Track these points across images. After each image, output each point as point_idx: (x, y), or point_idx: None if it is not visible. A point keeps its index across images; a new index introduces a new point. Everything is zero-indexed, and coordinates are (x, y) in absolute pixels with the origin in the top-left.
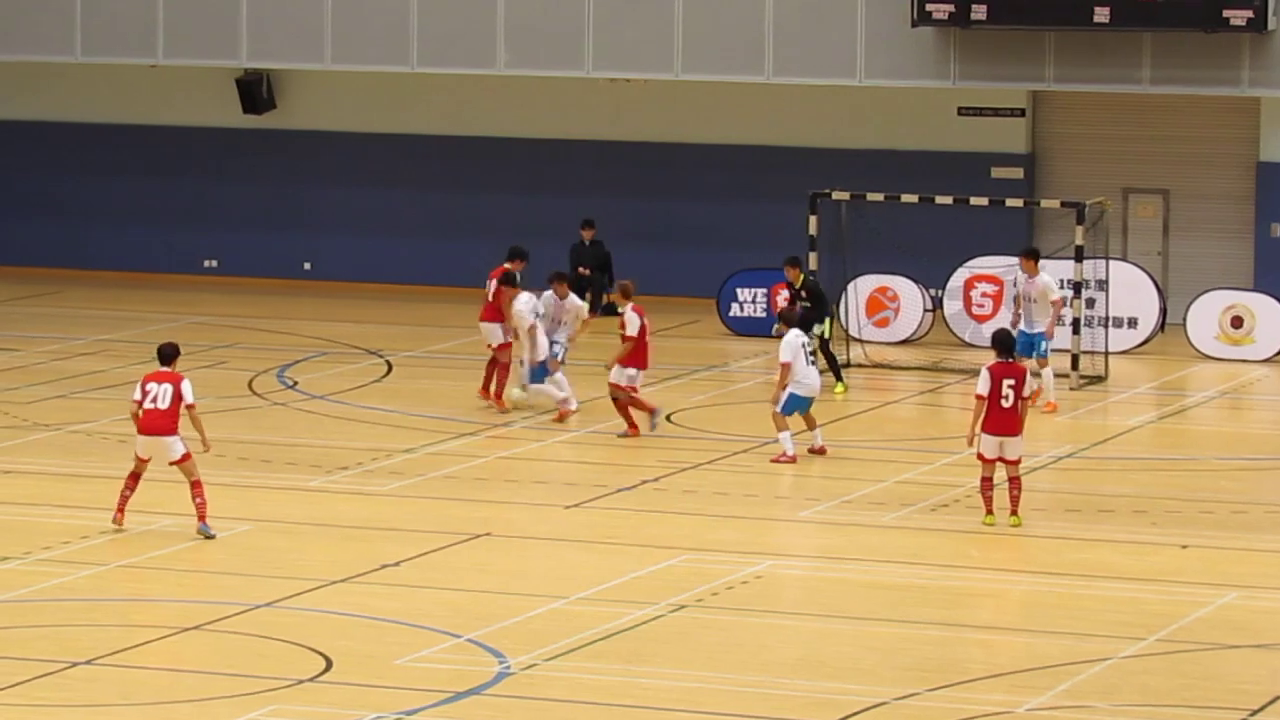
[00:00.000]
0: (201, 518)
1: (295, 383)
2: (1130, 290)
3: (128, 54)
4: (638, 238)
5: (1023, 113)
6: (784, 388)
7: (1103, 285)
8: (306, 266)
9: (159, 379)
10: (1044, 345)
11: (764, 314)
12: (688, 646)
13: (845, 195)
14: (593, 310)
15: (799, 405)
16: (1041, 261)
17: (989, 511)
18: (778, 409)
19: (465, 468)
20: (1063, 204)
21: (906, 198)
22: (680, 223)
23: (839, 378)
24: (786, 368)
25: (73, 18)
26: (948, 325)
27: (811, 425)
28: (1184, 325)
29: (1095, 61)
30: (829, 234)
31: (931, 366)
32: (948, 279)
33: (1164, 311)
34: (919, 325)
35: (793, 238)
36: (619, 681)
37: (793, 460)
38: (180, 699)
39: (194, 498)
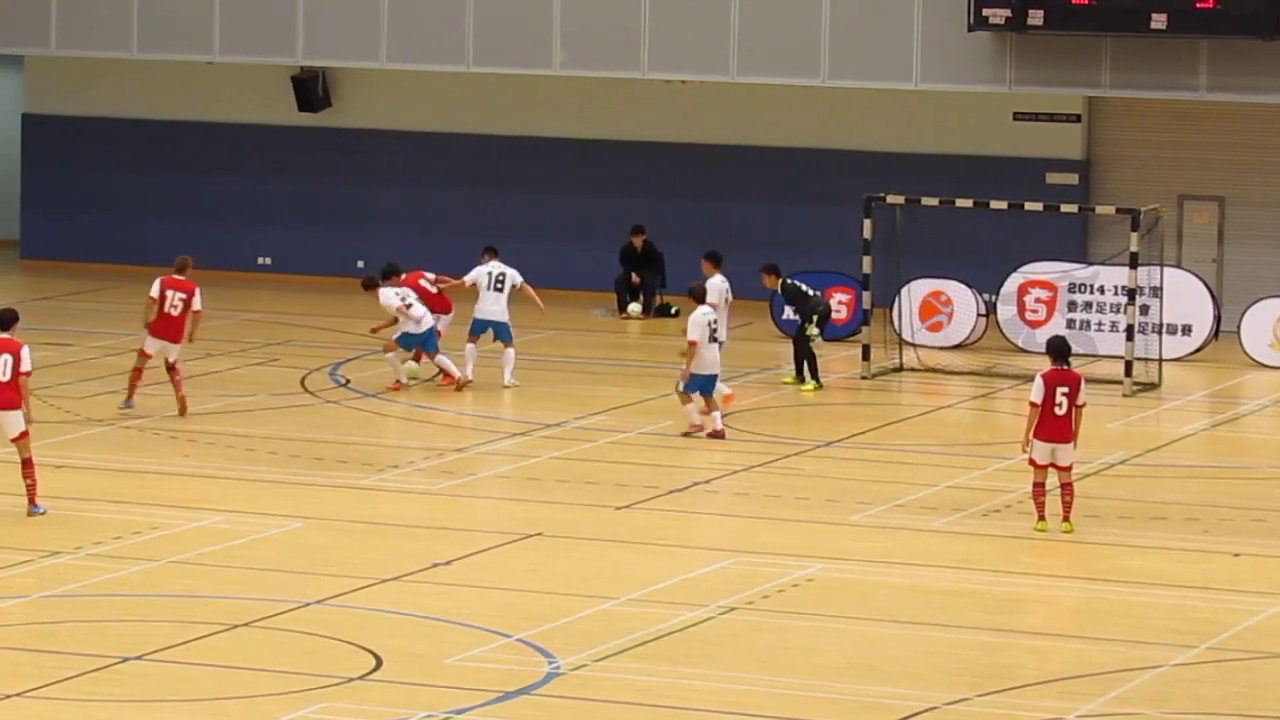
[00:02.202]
0: (32, 500)
1: (347, 380)
2: (1184, 297)
3: (184, 51)
4: (691, 240)
5: (1078, 118)
6: (688, 366)
7: (1157, 292)
8: (360, 264)
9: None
10: None
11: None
12: (737, 649)
13: (900, 199)
14: (646, 312)
15: (702, 385)
16: (1094, 267)
17: (1041, 517)
18: (682, 388)
19: (517, 467)
20: (1118, 210)
21: (961, 202)
22: (734, 225)
23: (815, 376)
24: (694, 346)
25: (129, 14)
26: (1001, 330)
27: (712, 408)
28: (1238, 333)
29: (1152, 68)
30: (884, 237)
31: (984, 371)
32: (1001, 284)
33: (1218, 319)
34: (972, 330)
35: (847, 241)
36: (668, 683)
37: (700, 430)
38: (230, 695)
39: (25, 478)
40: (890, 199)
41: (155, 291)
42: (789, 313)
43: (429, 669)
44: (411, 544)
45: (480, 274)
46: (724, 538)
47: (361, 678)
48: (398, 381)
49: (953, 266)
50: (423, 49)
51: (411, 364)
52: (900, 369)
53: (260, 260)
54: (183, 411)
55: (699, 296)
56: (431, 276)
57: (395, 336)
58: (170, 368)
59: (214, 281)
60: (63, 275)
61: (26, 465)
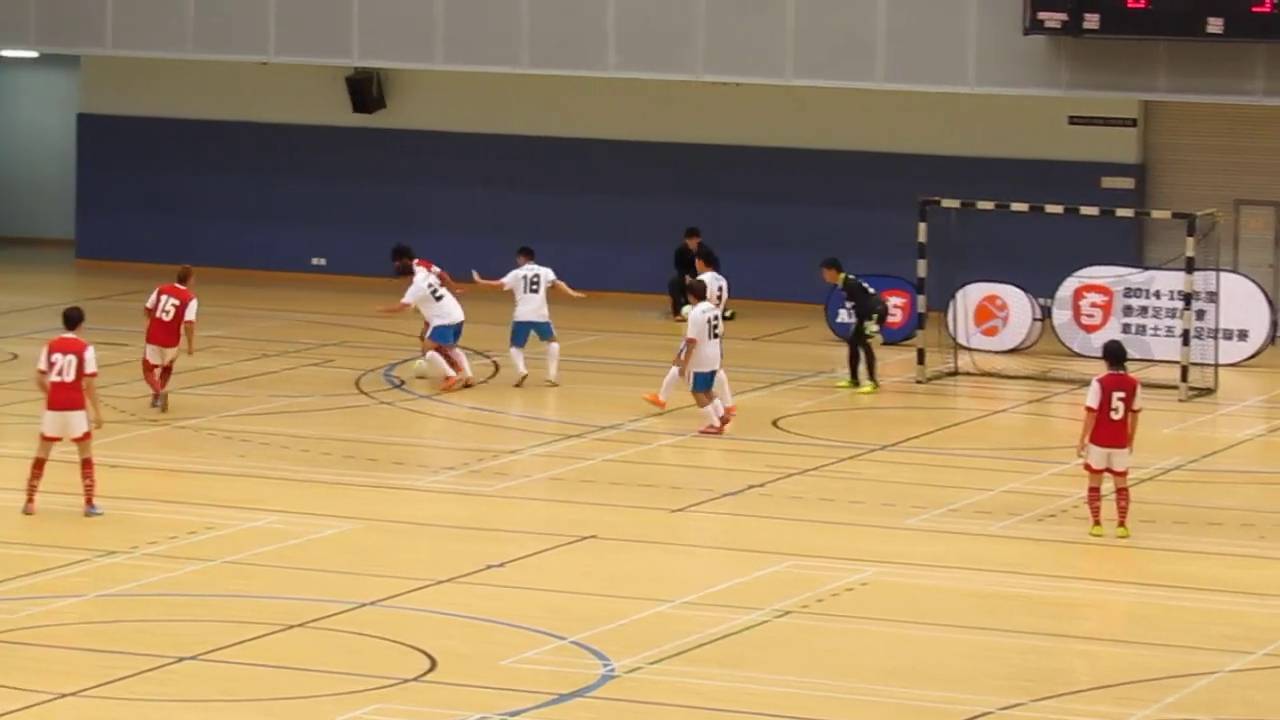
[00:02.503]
0: (89, 500)
1: (402, 382)
2: (1240, 302)
3: (239, 51)
4: (745, 242)
5: (1134, 123)
6: (689, 364)
7: (1213, 297)
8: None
9: (64, 348)
10: None
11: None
12: (791, 652)
13: (955, 203)
14: None
15: (704, 381)
16: (1150, 272)
17: (1096, 522)
18: (691, 388)
19: (571, 470)
20: (1174, 215)
21: (1016, 206)
22: (788, 228)
23: (872, 377)
24: (694, 344)
25: (185, 14)
26: (1056, 335)
27: (703, 403)
28: None
29: (1208, 71)
30: (938, 241)
31: (1039, 376)
32: (1057, 288)
33: (1275, 324)
34: (1027, 334)
35: (901, 244)
36: (722, 686)
37: (719, 431)
38: (284, 696)
39: (84, 478)
40: (945, 202)
41: (150, 301)
42: (843, 315)
43: (483, 670)
44: (465, 546)
45: (516, 277)
46: (778, 541)
47: (415, 679)
48: (448, 377)
49: (1008, 270)
50: (478, 50)
51: (420, 363)
52: (955, 373)
53: (315, 261)
54: (160, 403)
55: (699, 294)
56: (438, 271)
57: (429, 334)
58: (164, 370)
59: (268, 282)
60: (117, 275)
61: (86, 466)
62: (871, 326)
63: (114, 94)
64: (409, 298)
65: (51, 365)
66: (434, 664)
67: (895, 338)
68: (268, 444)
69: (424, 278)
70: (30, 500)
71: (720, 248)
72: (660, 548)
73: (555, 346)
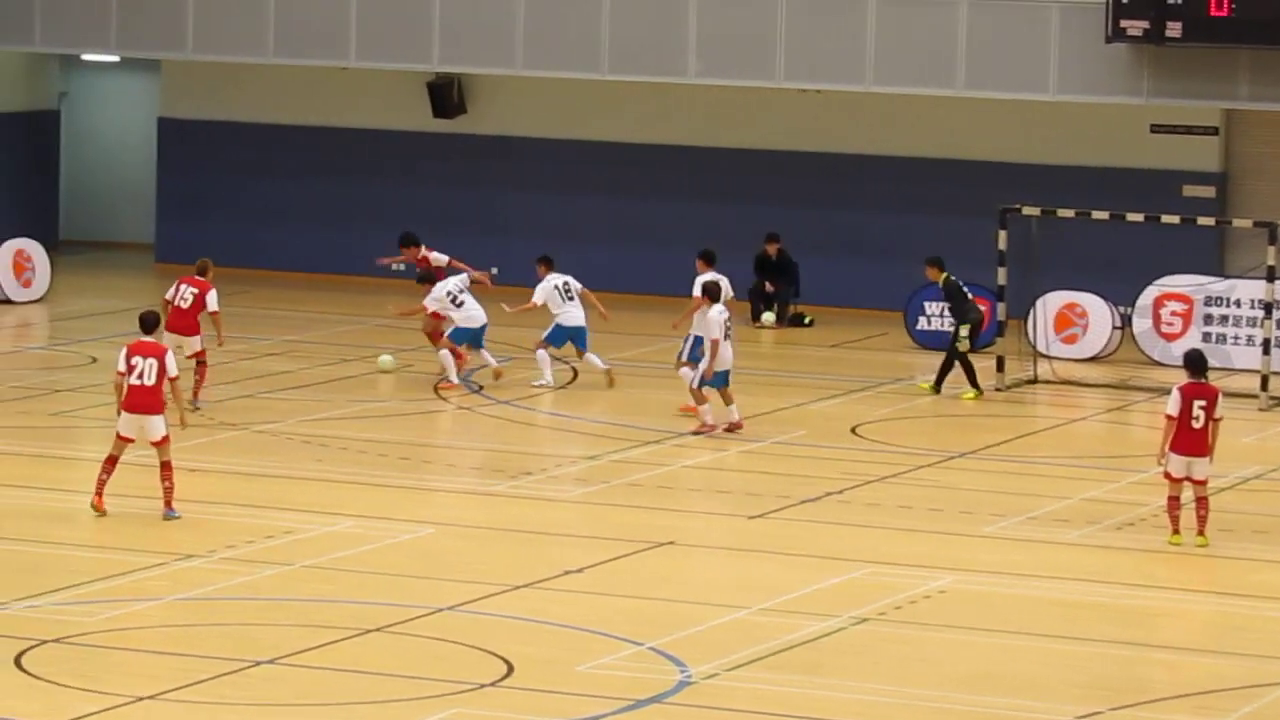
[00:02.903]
0: (168, 503)
1: (480, 387)
2: None
3: (320, 56)
4: (825, 249)
5: (1216, 131)
6: (713, 365)
7: None
8: (494, 270)
9: (144, 351)
10: None
11: (952, 328)
12: (869, 659)
13: (1035, 211)
14: (780, 321)
15: (719, 380)
16: (1231, 280)
17: (1175, 531)
18: (696, 385)
19: (649, 475)
20: (1255, 224)
21: (1097, 214)
22: (868, 235)
23: (974, 384)
24: (717, 344)
25: (266, 19)
26: (1136, 343)
27: (729, 400)
28: None
29: None
30: (1018, 249)
31: (1119, 384)
32: (1137, 297)
33: None
34: (1107, 342)
35: (981, 252)
36: (799, 693)
37: (712, 429)
38: (361, 700)
39: (163, 481)
40: (1026, 210)
41: (170, 292)
42: (924, 322)
43: (560, 676)
44: (543, 551)
45: (548, 290)
46: (856, 548)
47: (493, 684)
48: (450, 383)
49: (1088, 278)
50: (559, 56)
51: (387, 357)
52: (1034, 381)
53: (395, 266)
54: (195, 393)
55: (714, 295)
56: (445, 259)
57: (449, 333)
58: (196, 365)
59: (346, 286)
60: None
61: (165, 469)
62: (963, 332)
63: (194, 98)
64: (430, 303)
65: (131, 368)
66: (511, 669)
67: (975, 345)
68: (346, 448)
69: (442, 286)
70: (99, 495)
71: (799, 254)
72: (738, 554)
73: (592, 355)
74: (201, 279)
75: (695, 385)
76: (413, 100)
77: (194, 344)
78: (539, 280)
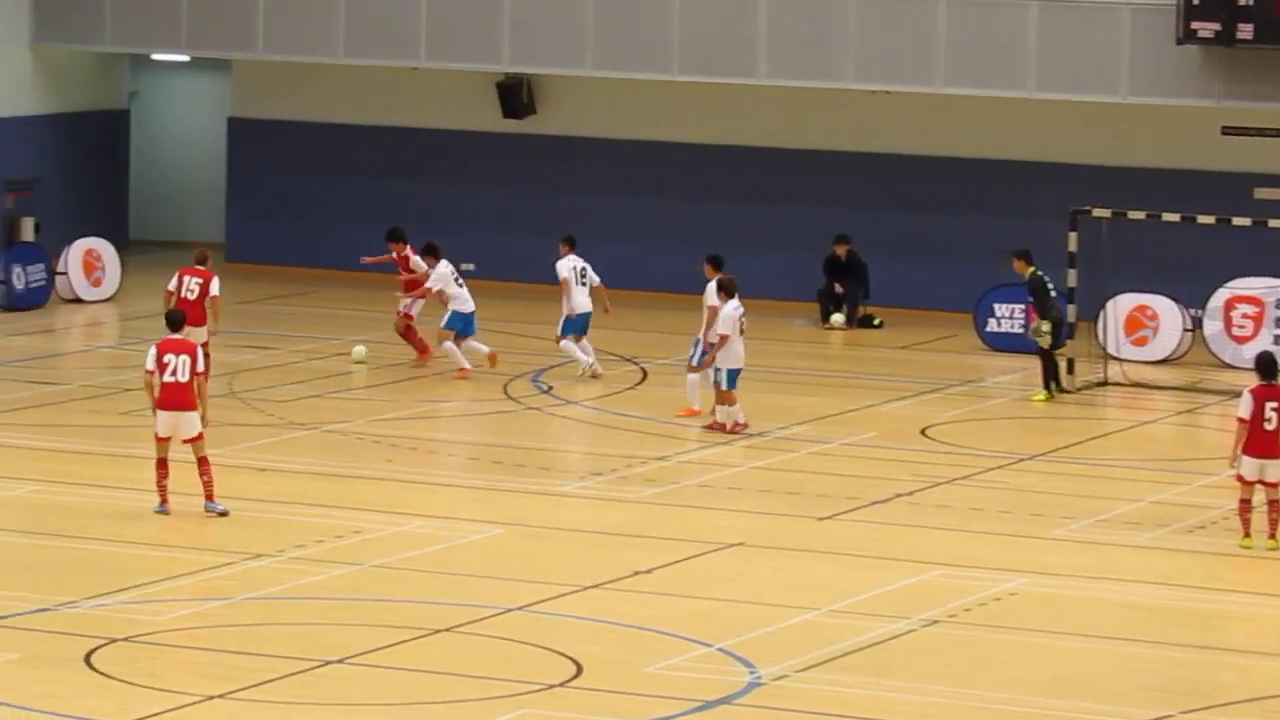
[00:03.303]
0: (209, 496)
1: (550, 388)
2: None
3: (390, 56)
4: (895, 251)
5: None
6: (719, 360)
7: None
8: (470, 266)
9: (175, 348)
10: None
11: (1022, 330)
12: (938, 662)
13: (1106, 213)
14: (849, 323)
15: (734, 379)
16: None
17: (1246, 534)
18: (725, 387)
19: (718, 476)
20: None
21: (1168, 216)
22: (938, 237)
23: (1045, 386)
24: (726, 340)
25: (336, 19)
26: (1207, 346)
27: (733, 401)
28: None
29: None
30: (1089, 251)
31: (1190, 387)
32: (1208, 299)
33: None
34: (1178, 345)
35: (1052, 254)
36: (869, 695)
37: (724, 430)
38: (431, 700)
39: (201, 475)
40: (1096, 212)
41: (173, 284)
42: (994, 324)
43: (629, 677)
44: (612, 551)
45: (568, 268)
46: (926, 550)
47: (562, 685)
48: (462, 369)
49: (1158, 281)
50: (629, 56)
51: (360, 349)
52: (1105, 383)
53: (464, 266)
54: None
55: (731, 291)
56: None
57: (444, 323)
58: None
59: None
60: (266, 279)
61: (202, 464)
62: (1044, 327)
63: (265, 98)
64: (434, 283)
65: (164, 366)
66: (580, 670)
67: (1056, 343)
68: (415, 449)
69: (445, 265)
70: (165, 500)
71: (869, 255)
72: (807, 555)
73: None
74: (202, 268)
75: (724, 387)
76: (482, 101)
77: (201, 335)
78: (559, 257)
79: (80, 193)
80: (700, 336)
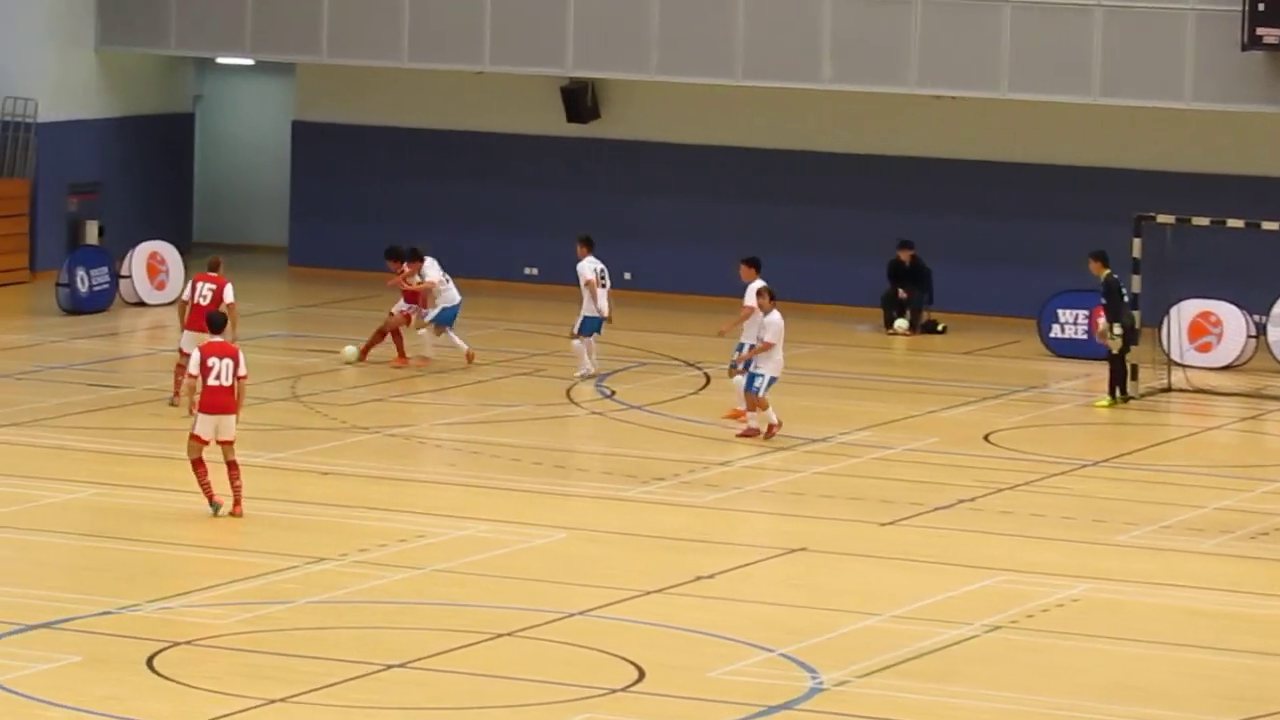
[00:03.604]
0: (237, 501)
1: (613, 392)
2: None
3: (454, 60)
4: (958, 256)
5: None
6: (764, 367)
7: None
8: (626, 276)
9: (219, 352)
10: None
11: (1085, 335)
12: (1001, 668)
13: (1170, 219)
14: (913, 328)
15: (768, 386)
16: None
17: None
18: (761, 394)
19: (781, 482)
20: None
21: (1232, 222)
22: (1001, 242)
23: (1111, 393)
24: (770, 347)
25: (400, 24)
26: (1271, 352)
27: (766, 406)
28: None
29: None
30: (1152, 257)
31: (1254, 393)
32: (1272, 305)
33: None
34: (1242, 351)
35: (1116, 259)
36: (931, 701)
37: (757, 434)
38: (493, 705)
39: (232, 479)
40: (1160, 218)
41: (186, 292)
42: (1058, 329)
43: (691, 682)
44: (674, 556)
45: (593, 271)
46: (989, 556)
47: (624, 689)
48: (426, 358)
49: (1223, 287)
50: (692, 61)
51: (350, 349)
52: (1168, 389)
53: (527, 270)
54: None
55: (772, 298)
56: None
57: (433, 318)
58: None
59: (479, 291)
60: (329, 282)
61: (232, 468)
62: (1115, 330)
63: (329, 102)
64: (431, 273)
65: (208, 369)
66: (642, 674)
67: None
68: (478, 453)
69: (434, 264)
70: (215, 496)
71: (932, 261)
72: (870, 561)
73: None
74: (215, 274)
75: (761, 394)
76: (546, 105)
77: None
78: (579, 259)
79: (144, 196)
80: (746, 343)
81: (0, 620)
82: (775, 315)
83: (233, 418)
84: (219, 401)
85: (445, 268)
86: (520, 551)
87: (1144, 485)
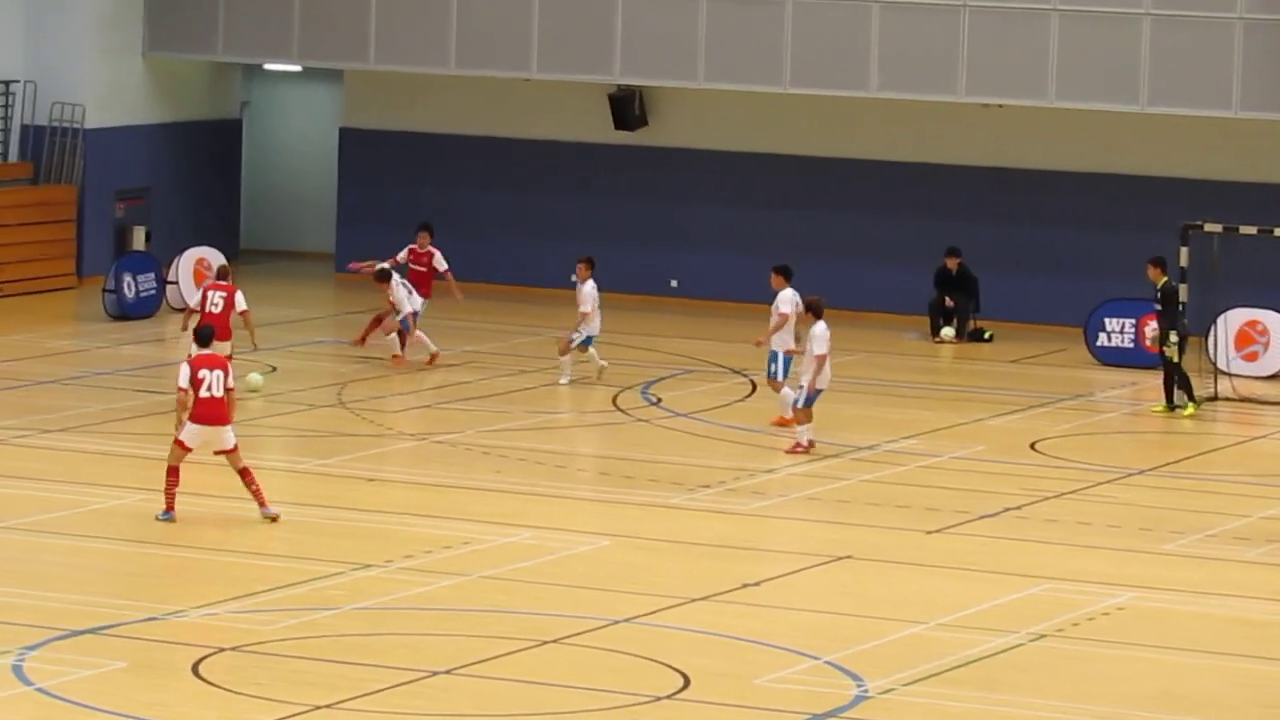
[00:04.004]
0: (262, 503)
1: (659, 399)
2: None
3: (502, 68)
4: (1005, 264)
5: None
6: (815, 381)
7: None
8: (673, 284)
9: (210, 364)
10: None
11: (1132, 344)
12: (1046, 676)
13: (1218, 227)
14: (959, 336)
15: (814, 399)
16: None
17: None
18: (801, 405)
19: (827, 489)
20: None
21: None
22: (1048, 250)
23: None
24: (822, 360)
25: (448, 31)
26: None
27: (810, 419)
28: None
29: None
30: (1199, 266)
31: None
32: None
33: None
34: None
35: None
36: (976, 709)
37: (808, 449)
38: (538, 712)
39: (249, 484)
40: (1208, 227)
41: (195, 300)
42: (1104, 338)
43: (737, 689)
44: (720, 564)
45: (594, 296)
46: (1034, 564)
47: (669, 697)
48: (398, 356)
49: (1270, 295)
50: (740, 69)
51: (255, 376)
52: (1215, 398)
53: (572, 278)
54: None
55: (818, 311)
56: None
57: (398, 318)
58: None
59: (526, 298)
60: (375, 289)
61: (245, 475)
62: (1173, 338)
63: (376, 108)
64: (398, 295)
65: (200, 381)
66: (688, 682)
67: (1155, 362)
68: (524, 460)
69: (399, 282)
70: (172, 508)
71: (979, 269)
72: (916, 569)
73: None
74: (225, 283)
75: (801, 405)
76: (594, 112)
77: (225, 348)
78: (580, 281)
79: (192, 202)
80: (779, 351)
81: (46, 626)
82: (819, 327)
83: (228, 428)
84: (210, 413)
85: (492, 275)
86: (566, 558)
87: (1190, 494)
